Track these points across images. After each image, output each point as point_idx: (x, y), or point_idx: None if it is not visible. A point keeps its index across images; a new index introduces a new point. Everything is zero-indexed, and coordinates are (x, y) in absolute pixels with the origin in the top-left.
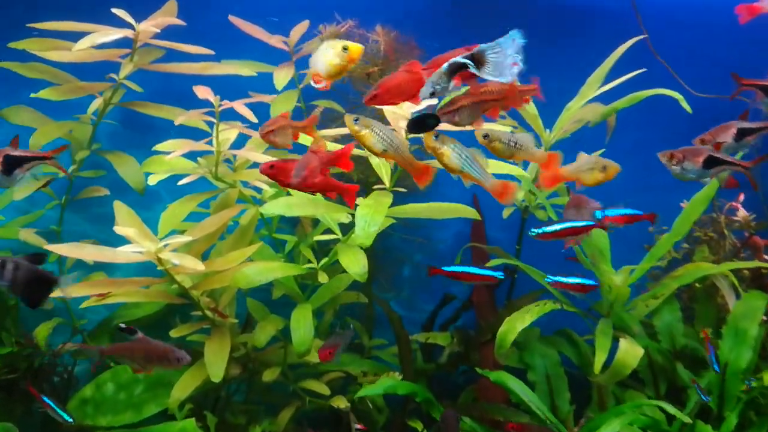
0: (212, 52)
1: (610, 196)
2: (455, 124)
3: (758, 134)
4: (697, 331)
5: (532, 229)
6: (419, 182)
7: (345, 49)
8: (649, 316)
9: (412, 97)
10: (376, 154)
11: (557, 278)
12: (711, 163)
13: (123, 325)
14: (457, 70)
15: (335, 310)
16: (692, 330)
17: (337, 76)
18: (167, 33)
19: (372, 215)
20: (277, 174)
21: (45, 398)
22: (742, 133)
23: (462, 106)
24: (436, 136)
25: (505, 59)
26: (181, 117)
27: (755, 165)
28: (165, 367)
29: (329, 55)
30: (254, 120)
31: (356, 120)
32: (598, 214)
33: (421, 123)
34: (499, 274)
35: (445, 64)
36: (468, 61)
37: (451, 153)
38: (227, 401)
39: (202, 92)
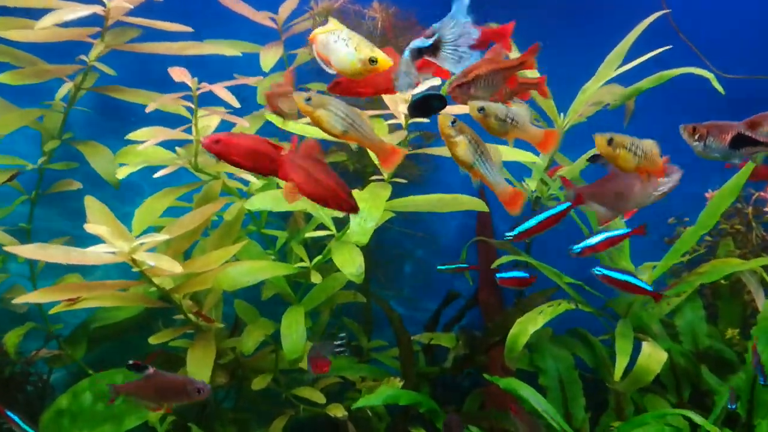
0: (191, 30)
1: None
2: (472, 98)
3: None
4: (721, 331)
5: (506, 234)
6: (385, 166)
7: (373, 61)
8: (670, 314)
9: (386, 90)
10: (335, 136)
11: (607, 271)
12: (739, 141)
13: (131, 362)
14: (419, 54)
15: (331, 310)
16: (716, 330)
17: (349, 77)
18: (145, 11)
19: (369, 210)
20: (222, 151)
21: (10, 413)
22: None
23: (478, 77)
24: (453, 122)
25: (460, 39)
26: (154, 103)
27: None
28: (184, 402)
29: (350, 55)
30: (237, 105)
31: (308, 99)
32: (575, 248)
33: (424, 105)
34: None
35: (406, 51)
36: (429, 42)
37: (467, 145)
38: (216, 409)
39: (178, 74)
